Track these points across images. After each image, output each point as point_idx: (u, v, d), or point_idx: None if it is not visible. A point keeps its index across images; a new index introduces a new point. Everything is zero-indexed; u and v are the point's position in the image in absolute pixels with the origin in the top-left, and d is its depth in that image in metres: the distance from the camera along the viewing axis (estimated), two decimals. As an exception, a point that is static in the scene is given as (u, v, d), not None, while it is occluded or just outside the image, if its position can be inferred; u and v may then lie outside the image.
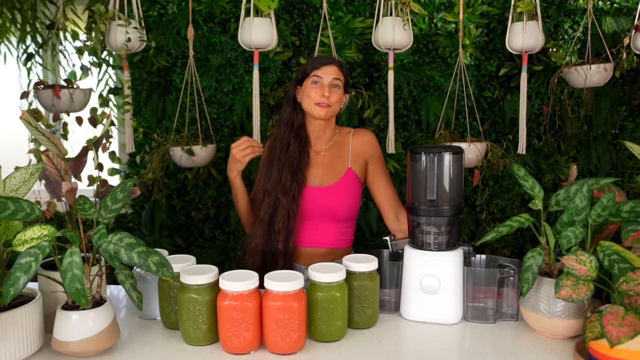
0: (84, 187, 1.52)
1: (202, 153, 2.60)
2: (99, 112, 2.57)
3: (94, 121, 2.49)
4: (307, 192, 1.82)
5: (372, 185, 1.90)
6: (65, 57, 2.79)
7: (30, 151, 2.30)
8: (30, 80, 2.91)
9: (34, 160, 2.45)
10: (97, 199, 1.41)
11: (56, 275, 1.31)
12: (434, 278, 1.43)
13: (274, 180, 1.82)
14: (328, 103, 1.78)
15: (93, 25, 2.51)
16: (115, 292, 1.71)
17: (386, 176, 1.90)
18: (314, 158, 1.87)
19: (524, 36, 2.36)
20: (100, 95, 2.79)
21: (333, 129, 1.90)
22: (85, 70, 2.59)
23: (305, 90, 1.81)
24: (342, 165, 1.86)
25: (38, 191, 2.64)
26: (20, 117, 1.25)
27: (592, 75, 2.40)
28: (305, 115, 1.87)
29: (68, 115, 2.53)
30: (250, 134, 2.77)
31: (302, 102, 1.83)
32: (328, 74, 1.79)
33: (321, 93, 1.77)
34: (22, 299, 1.27)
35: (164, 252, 1.46)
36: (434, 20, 2.73)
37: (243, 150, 1.74)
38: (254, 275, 1.30)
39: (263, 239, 1.80)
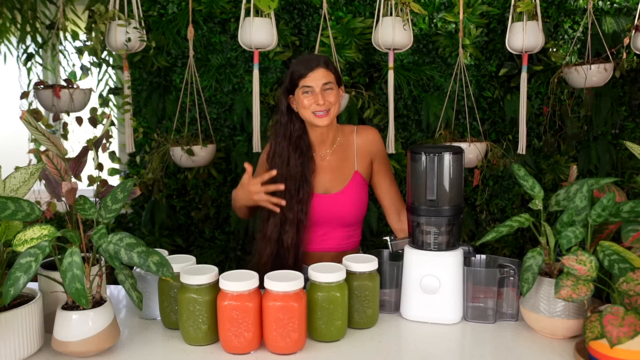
0: (84, 187, 1.52)
1: (202, 153, 2.60)
2: (99, 112, 2.57)
3: (94, 121, 2.49)
4: (314, 200, 1.78)
5: (376, 184, 1.88)
6: (65, 57, 2.79)
7: (30, 151, 2.30)
8: (30, 80, 2.91)
9: (34, 160, 2.45)
10: (97, 199, 1.41)
11: (56, 275, 1.31)
12: (434, 278, 1.43)
13: (278, 198, 1.73)
14: (326, 109, 1.70)
15: (93, 25, 2.51)
16: (115, 292, 1.71)
17: (390, 175, 1.88)
18: (320, 164, 1.81)
19: (524, 36, 2.36)
20: (100, 95, 2.79)
21: (336, 130, 1.84)
22: (85, 70, 2.59)
23: (298, 102, 1.73)
24: (348, 170, 1.82)
25: (38, 191, 2.64)
26: (20, 117, 1.25)
27: (592, 75, 2.40)
28: (304, 123, 1.80)
29: (68, 115, 2.53)
30: (250, 134, 2.77)
31: (299, 112, 1.76)
32: (317, 80, 1.69)
33: (315, 102, 1.69)
34: (22, 299, 1.27)
35: (164, 252, 1.46)
36: (434, 20, 2.73)
37: (259, 195, 1.66)
38: (254, 275, 1.30)
39: (272, 257, 1.75)
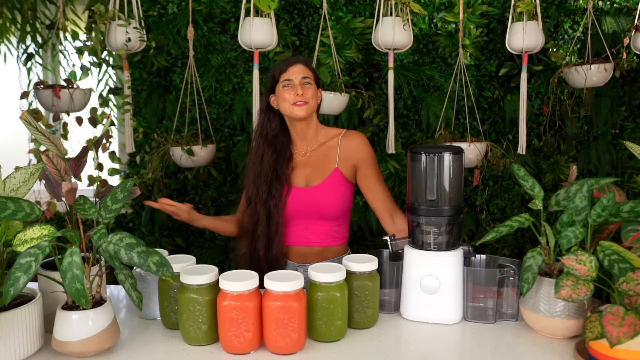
0: (84, 187, 1.52)
1: (202, 153, 2.60)
2: (99, 112, 2.57)
3: (94, 121, 2.48)
4: (293, 193, 1.83)
5: (364, 189, 1.87)
6: (65, 57, 2.79)
7: (30, 151, 2.30)
8: (30, 80, 2.91)
9: (34, 160, 2.45)
10: (97, 199, 1.41)
11: (56, 275, 1.31)
12: (434, 278, 1.43)
13: (252, 192, 1.85)
14: (304, 100, 1.78)
15: (93, 25, 2.51)
16: (115, 292, 1.71)
17: (379, 179, 1.87)
18: (300, 159, 1.87)
19: (524, 36, 2.36)
20: (100, 95, 2.79)
21: (316, 128, 1.88)
22: (85, 70, 2.59)
23: (279, 95, 1.81)
24: (328, 166, 1.84)
25: (38, 191, 2.64)
26: (20, 117, 1.25)
27: (592, 75, 2.40)
28: (283, 122, 1.88)
29: (68, 115, 2.53)
30: (250, 134, 2.77)
31: (279, 107, 1.83)
32: (297, 74, 1.80)
33: (295, 93, 1.78)
34: (22, 299, 1.27)
35: (164, 252, 1.46)
36: (434, 20, 2.73)
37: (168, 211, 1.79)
38: (254, 275, 1.30)
39: (249, 247, 1.84)
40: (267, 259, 1.80)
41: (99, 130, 2.48)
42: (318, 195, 1.82)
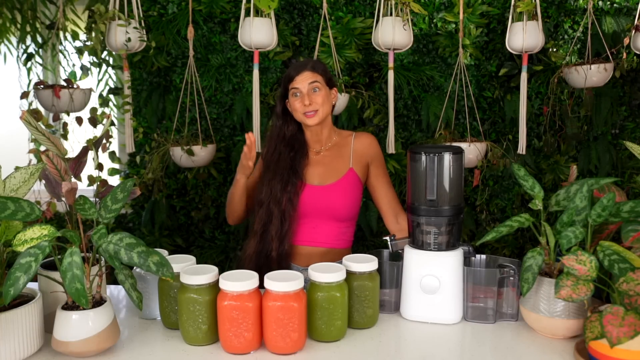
0: (84, 187, 1.52)
1: (202, 153, 2.60)
2: (99, 112, 2.57)
3: (94, 121, 2.48)
4: (307, 191, 1.83)
5: (373, 188, 1.91)
6: (65, 57, 2.79)
7: (30, 151, 2.30)
8: (30, 80, 2.91)
9: (34, 160, 2.45)
10: (97, 199, 1.41)
11: (56, 275, 1.31)
12: (434, 278, 1.43)
13: (266, 192, 1.83)
14: (313, 110, 1.79)
15: (93, 25, 2.51)
16: (115, 292, 1.71)
17: (387, 179, 1.92)
18: (314, 158, 1.89)
19: (524, 36, 2.36)
20: (100, 95, 2.79)
21: (330, 128, 1.91)
22: (85, 70, 2.59)
23: (292, 105, 1.83)
24: (343, 165, 1.87)
25: (38, 191, 2.64)
26: (20, 117, 1.25)
27: (592, 75, 2.40)
28: (299, 125, 1.90)
29: (68, 115, 2.53)
30: (250, 134, 2.76)
31: (294, 115, 1.85)
32: (303, 82, 1.79)
33: (302, 103, 1.79)
34: (22, 299, 1.27)
35: (164, 252, 1.46)
36: (434, 20, 2.73)
37: (246, 155, 1.78)
38: (254, 275, 1.30)
39: (257, 247, 1.82)
40: (276, 258, 1.79)
41: (99, 130, 2.47)
42: (331, 194, 1.83)
